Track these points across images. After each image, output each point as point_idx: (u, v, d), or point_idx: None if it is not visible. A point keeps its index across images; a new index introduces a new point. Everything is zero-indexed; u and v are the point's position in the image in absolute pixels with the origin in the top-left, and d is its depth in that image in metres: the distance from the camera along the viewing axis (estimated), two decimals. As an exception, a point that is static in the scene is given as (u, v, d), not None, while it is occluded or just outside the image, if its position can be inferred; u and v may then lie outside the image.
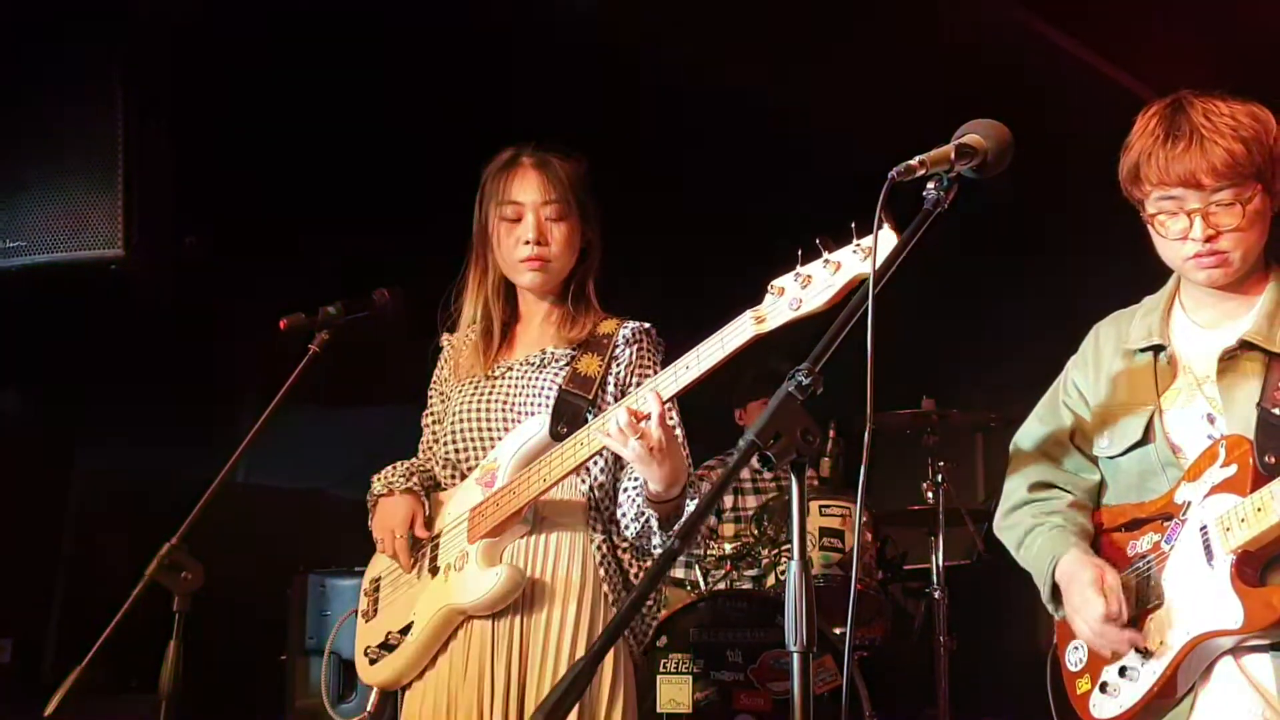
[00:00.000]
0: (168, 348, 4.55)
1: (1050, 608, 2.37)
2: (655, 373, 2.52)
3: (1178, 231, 2.21)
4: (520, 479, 2.45)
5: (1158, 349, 2.32)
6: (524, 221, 2.59)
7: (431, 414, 2.80)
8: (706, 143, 5.02)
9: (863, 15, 4.40)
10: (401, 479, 2.66)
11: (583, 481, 2.53)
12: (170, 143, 3.66)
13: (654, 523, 2.41)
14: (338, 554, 4.44)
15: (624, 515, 2.48)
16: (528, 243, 2.58)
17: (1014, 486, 2.50)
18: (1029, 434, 2.54)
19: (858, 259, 1.90)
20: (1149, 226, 2.28)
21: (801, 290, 1.98)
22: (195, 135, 3.86)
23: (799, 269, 2.00)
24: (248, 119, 4.29)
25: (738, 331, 2.11)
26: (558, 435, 2.44)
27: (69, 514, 4.68)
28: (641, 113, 4.71)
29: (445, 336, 2.81)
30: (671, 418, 2.36)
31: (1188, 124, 2.17)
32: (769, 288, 2.05)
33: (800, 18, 4.41)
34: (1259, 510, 2.06)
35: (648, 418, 2.23)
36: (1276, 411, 2.14)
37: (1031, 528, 2.41)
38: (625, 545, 2.55)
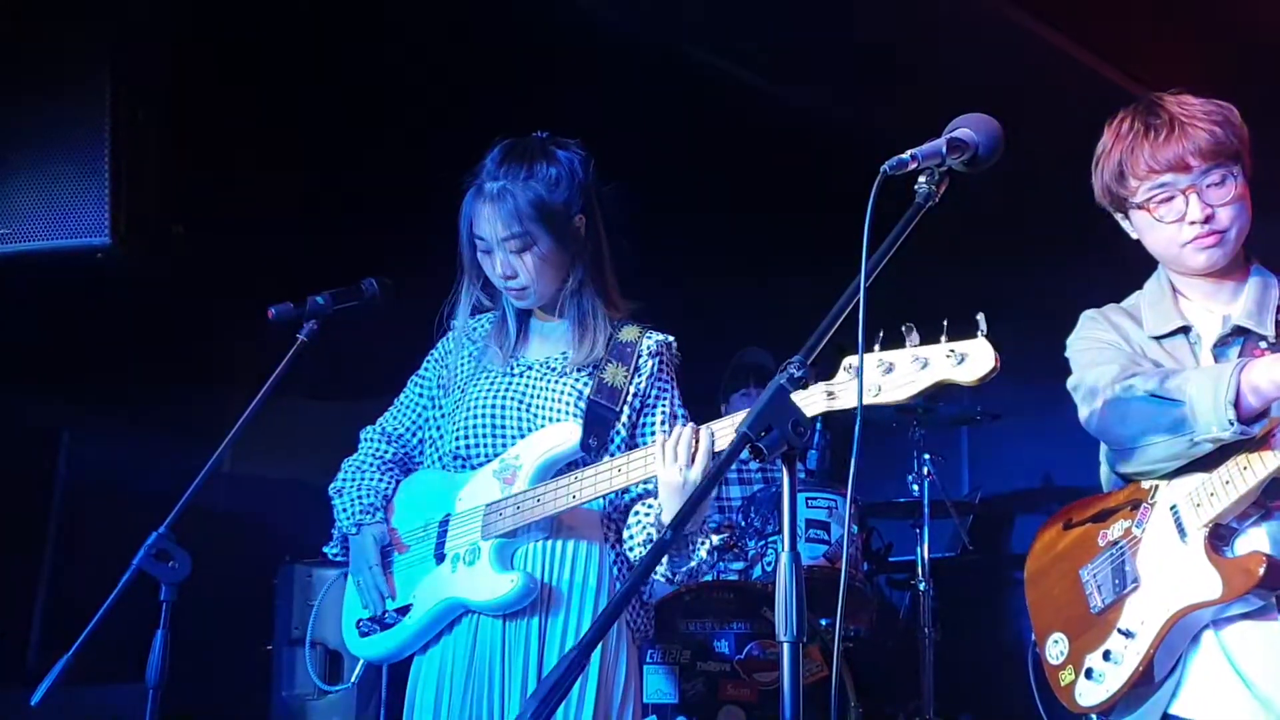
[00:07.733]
0: (155, 336, 4.53)
1: (1230, 429, 2.08)
2: (672, 388, 2.59)
3: (1174, 214, 2.27)
4: (546, 489, 2.44)
5: (1185, 330, 2.36)
6: (493, 256, 2.58)
7: (423, 381, 2.79)
8: (723, 142, 4.99)
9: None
10: (367, 514, 2.73)
11: None
12: (159, 130, 3.63)
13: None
14: (324, 544, 4.42)
15: (631, 538, 2.50)
16: (501, 276, 2.59)
17: (1112, 370, 2.30)
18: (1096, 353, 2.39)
19: (950, 363, 1.82)
20: (1139, 218, 2.33)
21: (883, 377, 1.90)
22: (185, 123, 3.83)
23: (881, 355, 1.90)
24: (238, 107, 4.27)
25: (808, 404, 2.03)
26: (587, 447, 2.46)
27: (55, 503, 4.66)
28: (646, 114, 4.68)
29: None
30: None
31: (1166, 113, 2.28)
32: (843, 364, 1.98)
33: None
34: (1227, 484, 2.15)
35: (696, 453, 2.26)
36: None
37: (1175, 370, 2.24)
38: None
